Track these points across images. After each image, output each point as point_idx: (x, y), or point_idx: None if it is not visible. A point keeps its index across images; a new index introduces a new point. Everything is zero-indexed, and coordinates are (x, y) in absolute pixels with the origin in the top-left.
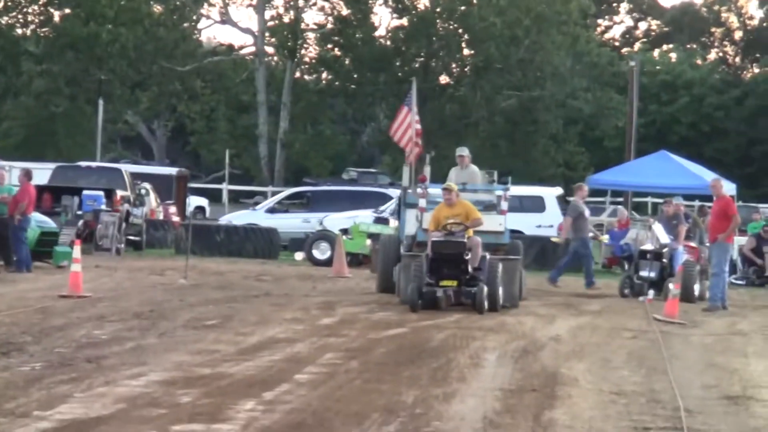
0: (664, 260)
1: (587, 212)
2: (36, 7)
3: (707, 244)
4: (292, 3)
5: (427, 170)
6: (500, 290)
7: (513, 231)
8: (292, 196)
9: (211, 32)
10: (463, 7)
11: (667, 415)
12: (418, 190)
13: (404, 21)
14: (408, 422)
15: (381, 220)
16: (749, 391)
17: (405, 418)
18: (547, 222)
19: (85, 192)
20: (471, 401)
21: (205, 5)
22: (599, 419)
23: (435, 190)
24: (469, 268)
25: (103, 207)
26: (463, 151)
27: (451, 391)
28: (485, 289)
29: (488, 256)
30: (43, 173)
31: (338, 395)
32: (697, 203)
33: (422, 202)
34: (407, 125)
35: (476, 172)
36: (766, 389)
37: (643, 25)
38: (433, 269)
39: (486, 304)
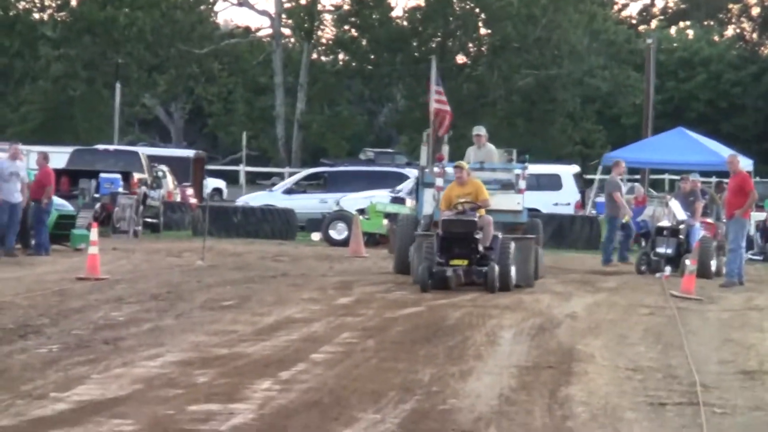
0: (681, 237)
1: (624, 189)
2: None
3: (724, 220)
4: None
5: (445, 149)
6: (513, 269)
7: (530, 209)
8: (309, 176)
9: (228, 14)
10: None
11: (683, 391)
12: (435, 169)
13: (421, 1)
14: (424, 400)
15: (398, 200)
16: (766, 366)
17: (421, 396)
18: (564, 200)
19: (102, 175)
20: (487, 379)
21: None
22: (615, 395)
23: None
24: (480, 248)
25: (120, 190)
26: (480, 131)
27: (468, 369)
28: (496, 268)
29: (500, 236)
30: (60, 156)
31: (355, 374)
32: (714, 179)
33: (439, 182)
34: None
35: (493, 151)
36: None
37: (660, 2)
38: (443, 248)
39: (497, 283)
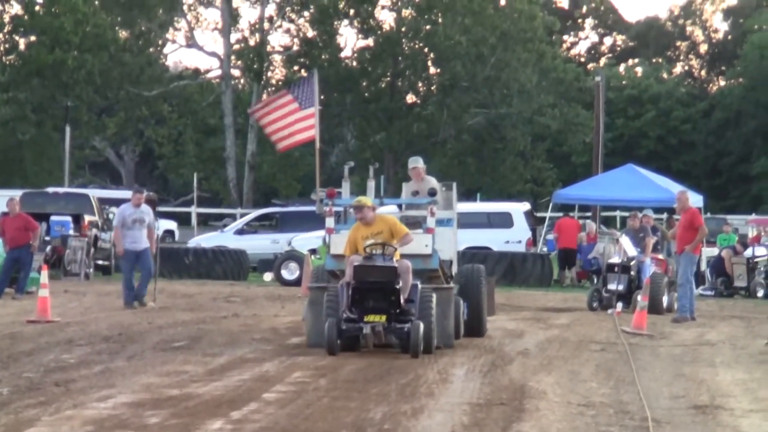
0: (632, 273)
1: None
2: (1, 35)
3: (674, 256)
4: (257, 26)
5: (345, 186)
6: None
7: (481, 247)
8: (260, 217)
9: (177, 56)
10: (428, 27)
11: (635, 426)
12: (324, 207)
13: (370, 41)
14: None
15: None
16: (717, 401)
17: None
18: (515, 238)
19: (52, 218)
20: (439, 416)
21: (171, 30)
22: (567, 431)
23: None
24: (401, 300)
25: (71, 232)
26: (417, 162)
27: (419, 407)
28: (421, 326)
29: (419, 285)
30: None
31: (306, 413)
32: (665, 215)
33: (330, 222)
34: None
35: (435, 184)
36: (734, 398)
37: (608, 41)
38: (355, 301)
39: (422, 345)
